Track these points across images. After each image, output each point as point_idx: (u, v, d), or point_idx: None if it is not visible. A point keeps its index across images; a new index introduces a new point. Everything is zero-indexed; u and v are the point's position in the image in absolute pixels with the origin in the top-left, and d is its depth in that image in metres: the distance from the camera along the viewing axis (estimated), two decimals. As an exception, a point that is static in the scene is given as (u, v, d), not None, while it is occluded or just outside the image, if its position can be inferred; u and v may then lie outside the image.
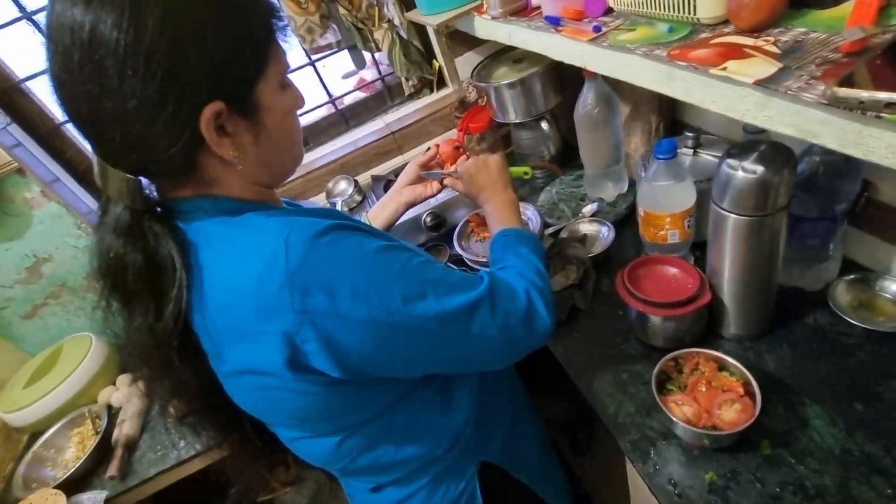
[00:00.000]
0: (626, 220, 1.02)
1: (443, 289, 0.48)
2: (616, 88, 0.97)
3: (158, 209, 0.45)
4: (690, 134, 0.83)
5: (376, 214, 0.86)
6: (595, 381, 0.77)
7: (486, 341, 0.51)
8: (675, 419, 0.61)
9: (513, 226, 0.69)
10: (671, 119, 1.01)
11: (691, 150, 0.84)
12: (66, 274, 1.24)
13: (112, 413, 1.12)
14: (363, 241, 0.45)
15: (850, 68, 0.35)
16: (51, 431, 1.09)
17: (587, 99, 0.93)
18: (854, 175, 0.65)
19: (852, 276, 0.73)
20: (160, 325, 0.43)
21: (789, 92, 0.36)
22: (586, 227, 1.01)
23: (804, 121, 0.38)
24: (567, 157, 1.26)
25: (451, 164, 0.86)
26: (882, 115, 0.30)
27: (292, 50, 1.28)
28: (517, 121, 1.18)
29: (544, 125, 1.19)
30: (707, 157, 0.83)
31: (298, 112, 0.52)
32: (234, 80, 0.42)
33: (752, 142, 0.57)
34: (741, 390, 0.61)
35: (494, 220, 0.73)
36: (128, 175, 0.41)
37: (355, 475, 0.61)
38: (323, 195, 1.32)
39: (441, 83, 1.37)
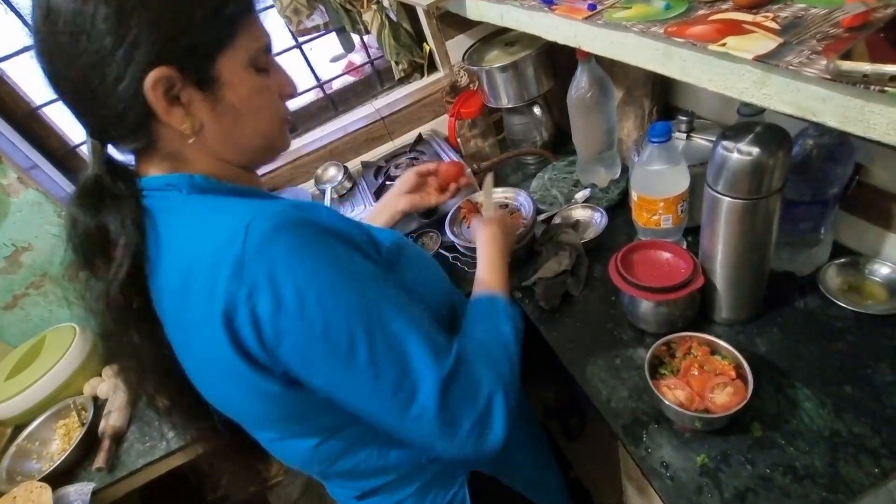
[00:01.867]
0: (618, 205, 1.02)
1: (398, 348, 0.43)
2: (610, 72, 0.95)
3: (125, 182, 0.45)
4: (684, 118, 0.82)
5: (371, 221, 0.83)
6: (588, 366, 0.77)
7: (420, 427, 0.44)
8: (667, 403, 0.61)
9: (502, 289, 0.64)
10: (664, 104, 1.00)
11: (685, 135, 0.83)
12: (47, 263, 1.20)
13: (98, 404, 1.09)
14: (336, 253, 0.42)
15: (853, 43, 0.34)
16: (35, 424, 1.07)
17: (581, 82, 0.92)
18: (847, 159, 0.65)
19: (843, 260, 0.73)
20: (111, 290, 0.43)
21: (790, 67, 0.35)
22: (579, 213, 1.01)
23: (804, 98, 0.37)
24: (559, 142, 1.24)
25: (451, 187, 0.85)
26: (886, 88, 0.29)
27: (278, 32, 1.24)
28: (509, 105, 1.16)
29: (537, 110, 1.18)
30: (701, 141, 0.83)
31: (286, 98, 0.50)
32: (188, 49, 0.40)
33: (747, 124, 0.57)
34: (733, 373, 0.61)
35: (488, 266, 0.68)
36: (92, 139, 0.44)
37: (337, 481, 0.59)
38: (312, 182, 1.30)
39: (432, 67, 1.34)
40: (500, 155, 1.20)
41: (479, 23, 1.17)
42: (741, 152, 0.55)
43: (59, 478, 0.95)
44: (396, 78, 1.37)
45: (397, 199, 0.82)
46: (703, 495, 0.59)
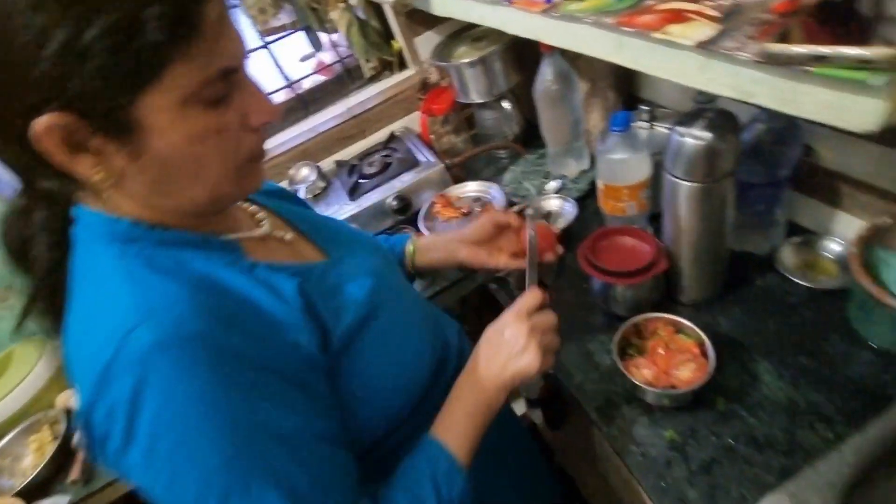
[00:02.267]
0: (588, 195, 1.04)
1: None
2: (574, 66, 0.97)
3: (52, 208, 0.41)
4: (645, 108, 0.85)
5: (424, 250, 0.73)
6: (562, 353, 0.79)
7: None
8: (636, 382, 0.63)
9: (464, 457, 0.49)
10: (628, 95, 1.03)
11: (647, 124, 0.86)
12: (12, 276, 1.16)
13: (72, 417, 1.07)
14: (223, 391, 0.35)
15: (783, 27, 0.36)
16: (5, 440, 1.03)
17: (545, 75, 0.94)
18: (795, 141, 0.68)
19: (797, 239, 0.77)
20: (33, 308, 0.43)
21: (728, 52, 0.37)
22: (549, 204, 1.03)
23: (742, 81, 0.39)
24: (530, 136, 1.26)
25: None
26: (810, 68, 0.31)
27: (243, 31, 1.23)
28: (479, 100, 1.17)
29: (506, 105, 1.20)
30: (663, 130, 0.85)
31: (259, 127, 0.41)
32: (88, 92, 0.32)
33: (699, 110, 0.59)
34: (696, 350, 0.64)
35: (462, 409, 0.52)
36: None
37: None
38: (286, 183, 1.29)
39: (402, 65, 1.35)
40: (472, 150, 1.21)
41: (447, 19, 1.19)
42: (694, 137, 0.57)
43: (33, 492, 0.93)
44: (367, 76, 1.37)
45: (460, 245, 0.69)
46: (672, 468, 0.61)
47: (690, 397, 0.63)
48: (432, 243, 0.72)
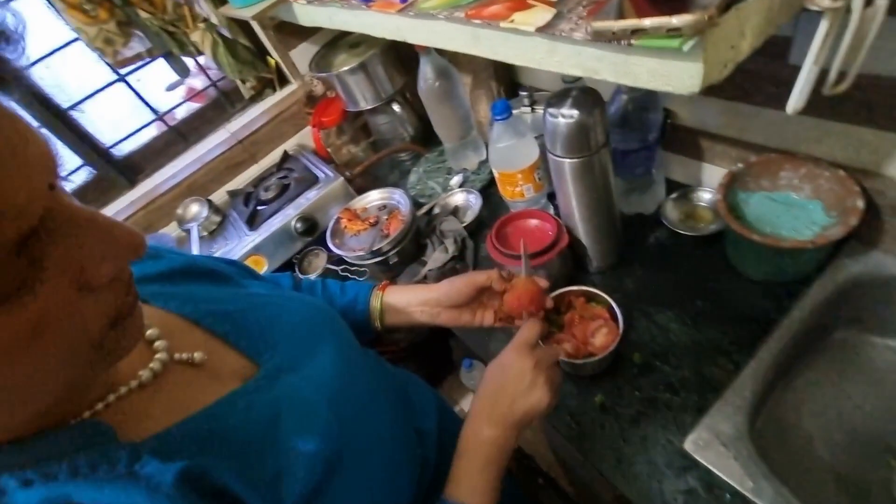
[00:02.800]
0: (490, 184, 1.06)
1: None
2: (453, 61, 0.98)
3: None
4: (524, 93, 0.88)
5: (395, 312, 0.63)
6: (490, 343, 0.80)
7: None
8: (560, 358, 0.65)
9: (469, 497, 0.44)
10: (510, 82, 1.06)
11: (529, 109, 0.89)
12: None
13: None
14: None
15: (608, 4, 0.38)
16: None
17: (426, 74, 0.94)
18: (656, 106, 0.74)
19: (675, 195, 0.83)
20: None
21: (565, 34, 0.39)
22: (455, 199, 1.04)
23: (585, 59, 0.41)
24: (427, 135, 1.26)
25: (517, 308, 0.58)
26: (631, 41, 0.33)
27: (91, 67, 1.10)
28: (368, 107, 1.15)
29: (396, 107, 1.19)
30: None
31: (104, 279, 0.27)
32: None
33: (565, 90, 0.62)
34: (607, 315, 0.67)
35: (474, 466, 0.46)
36: None
37: None
38: (174, 224, 1.18)
39: (282, 80, 1.28)
40: (370, 158, 1.19)
41: (320, 29, 1.15)
42: (565, 116, 0.60)
43: None
44: (247, 97, 1.29)
45: (440, 310, 0.61)
46: (606, 430, 0.64)
47: (609, 360, 0.66)
48: (406, 303, 0.62)
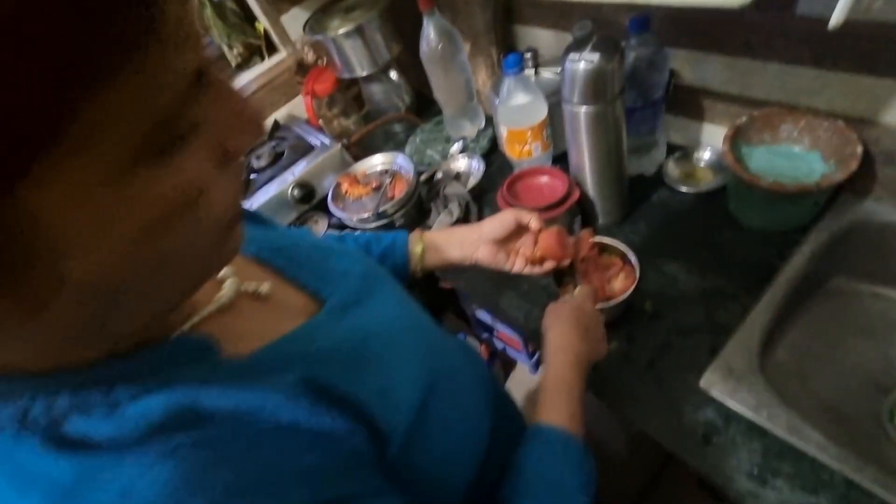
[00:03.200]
0: (490, 152, 1.06)
1: None
2: (454, 26, 0.98)
3: None
4: (528, 53, 0.88)
5: (436, 250, 0.63)
6: (501, 299, 0.80)
7: None
8: (577, 303, 0.65)
9: (569, 421, 0.46)
10: (509, 49, 1.07)
11: (533, 70, 0.90)
12: None
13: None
14: None
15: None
16: None
17: (429, 35, 0.93)
18: (663, 65, 0.75)
19: (676, 155, 0.86)
20: None
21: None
22: (458, 165, 1.03)
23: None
24: (422, 106, 1.25)
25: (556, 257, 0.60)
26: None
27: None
28: (364, 73, 1.13)
29: (393, 75, 1.17)
30: (547, 74, 0.90)
31: (241, 152, 0.26)
32: None
33: (585, 36, 0.63)
34: (621, 263, 0.68)
35: (553, 388, 0.49)
36: None
37: None
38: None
39: (271, 47, 1.24)
40: (367, 126, 1.16)
41: (313, -11, 1.12)
42: (586, 61, 0.60)
43: None
44: (234, 65, 1.24)
45: (478, 244, 0.61)
46: (624, 373, 0.65)
47: (625, 307, 0.68)
48: (446, 241, 0.63)
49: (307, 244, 0.45)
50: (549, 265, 0.59)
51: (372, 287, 0.43)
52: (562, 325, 0.54)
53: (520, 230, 0.61)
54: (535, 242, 0.59)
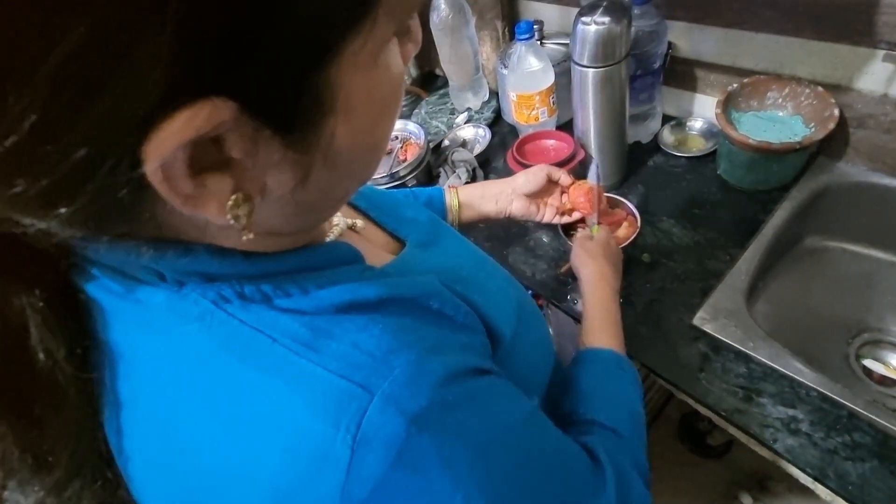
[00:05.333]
0: (494, 123, 1.11)
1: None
2: None
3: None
4: (536, 26, 0.93)
5: (471, 204, 0.66)
6: (509, 256, 0.85)
7: None
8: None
9: (622, 346, 0.53)
10: (514, 23, 1.11)
11: (538, 41, 0.95)
12: None
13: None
14: (505, 421, 0.29)
15: None
16: None
17: (440, 4, 0.97)
18: (663, 36, 0.81)
19: (671, 123, 0.93)
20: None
21: None
22: (465, 133, 1.08)
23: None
24: (426, 80, 1.29)
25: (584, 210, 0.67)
26: None
27: None
28: (373, 45, 1.16)
29: (400, 47, 1.20)
30: (552, 45, 0.95)
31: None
32: (266, 57, 0.19)
33: (596, 2, 0.68)
34: (624, 214, 0.75)
35: (604, 317, 0.55)
36: None
37: None
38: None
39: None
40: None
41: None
42: (597, 23, 0.66)
43: None
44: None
45: (512, 197, 0.66)
46: (624, 316, 0.70)
47: (627, 252, 0.74)
48: (480, 195, 0.66)
49: (378, 192, 0.48)
50: (576, 215, 0.68)
51: (439, 231, 0.45)
52: (595, 261, 0.60)
53: (549, 185, 0.67)
54: (562, 194, 0.68)
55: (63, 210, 0.19)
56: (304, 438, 0.23)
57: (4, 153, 0.17)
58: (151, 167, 0.18)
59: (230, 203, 0.21)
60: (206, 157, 0.20)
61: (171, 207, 0.21)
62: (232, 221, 0.22)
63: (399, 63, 0.25)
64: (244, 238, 0.23)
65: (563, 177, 0.66)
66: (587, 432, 0.41)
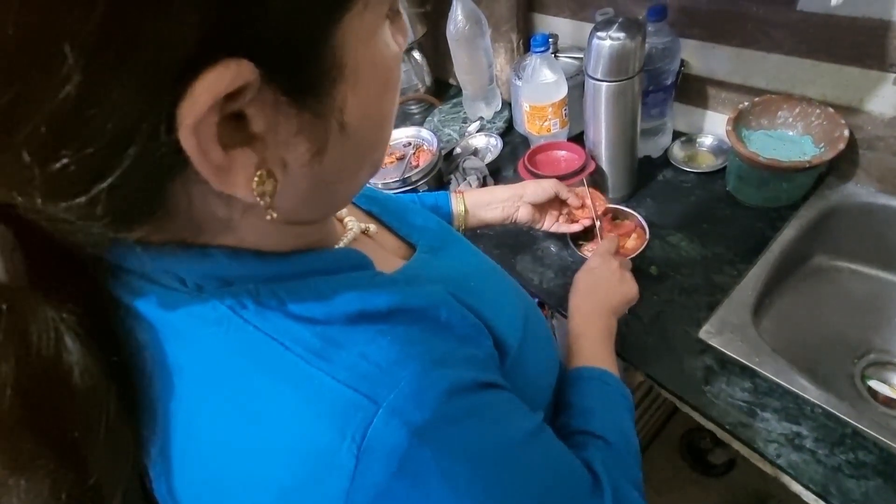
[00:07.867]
0: (506, 133, 1.13)
1: None
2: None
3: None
4: (551, 39, 0.95)
5: (477, 210, 0.67)
6: (517, 264, 0.86)
7: None
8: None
9: (610, 366, 0.51)
10: (529, 37, 1.14)
11: (552, 54, 0.96)
12: None
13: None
14: (502, 433, 0.29)
15: None
16: None
17: (457, 16, 0.99)
18: (675, 54, 0.83)
19: (682, 139, 0.94)
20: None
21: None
22: (476, 142, 1.09)
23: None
24: (440, 89, 1.32)
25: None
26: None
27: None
28: (389, 53, 1.18)
29: (417, 55, 1.23)
30: (565, 59, 0.97)
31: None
32: (286, 14, 0.20)
33: (610, 19, 0.69)
34: (633, 226, 0.75)
35: (591, 346, 0.53)
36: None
37: None
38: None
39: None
40: (388, 104, 1.22)
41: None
42: (612, 38, 0.67)
43: None
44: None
45: (519, 204, 0.68)
46: (631, 328, 0.72)
47: (636, 262, 0.74)
48: (488, 202, 0.67)
49: (389, 196, 0.49)
50: (576, 227, 0.72)
51: (447, 238, 0.46)
52: (576, 289, 0.60)
53: (554, 199, 0.70)
54: (567, 213, 0.73)
55: (104, 184, 0.19)
56: (311, 445, 0.24)
57: (52, 121, 0.17)
58: (186, 130, 0.19)
59: (255, 180, 0.22)
60: (231, 135, 0.21)
61: (199, 192, 0.23)
62: (258, 199, 0.23)
63: (394, 45, 0.26)
64: (268, 217, 0.24)
65: (572, 198, 0.70)
66: (583, 445, 0.41)
